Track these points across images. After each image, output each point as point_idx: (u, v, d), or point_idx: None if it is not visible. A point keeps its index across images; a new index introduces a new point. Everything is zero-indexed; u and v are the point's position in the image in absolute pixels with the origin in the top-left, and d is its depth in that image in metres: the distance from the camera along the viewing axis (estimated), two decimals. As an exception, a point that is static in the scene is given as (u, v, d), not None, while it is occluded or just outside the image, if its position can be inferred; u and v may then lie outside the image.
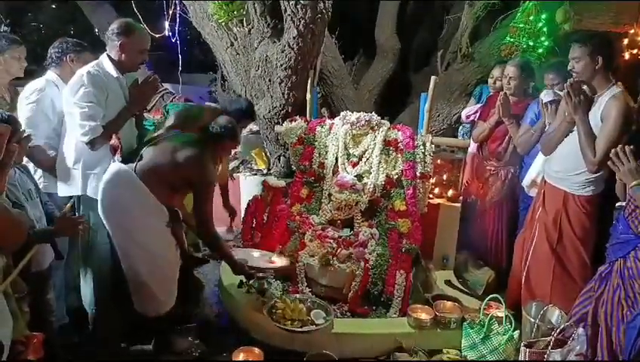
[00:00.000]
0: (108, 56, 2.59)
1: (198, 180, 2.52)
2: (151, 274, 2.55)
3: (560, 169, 2.72)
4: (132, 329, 2.76)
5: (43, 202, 2.36)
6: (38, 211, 2.24)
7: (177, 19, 3.71)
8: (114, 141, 2.59)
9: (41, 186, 2.57)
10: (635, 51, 4.15)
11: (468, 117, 4.10)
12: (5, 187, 1.79)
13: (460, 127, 4.56)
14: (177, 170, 2.49)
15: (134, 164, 2.50)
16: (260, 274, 2.86)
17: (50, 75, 2.85)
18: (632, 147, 2.11)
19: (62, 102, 2.64)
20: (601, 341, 2.25)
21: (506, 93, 3.31)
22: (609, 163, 2.16)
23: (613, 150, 2.13)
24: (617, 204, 2.31)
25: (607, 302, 2.25)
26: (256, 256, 3.01)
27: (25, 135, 1.88)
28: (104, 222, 2.55)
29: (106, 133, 2.49)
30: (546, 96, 3.02)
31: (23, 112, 2.73)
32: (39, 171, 2.76)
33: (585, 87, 2.56)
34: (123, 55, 2.56)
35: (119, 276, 2.62)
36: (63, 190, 2.67)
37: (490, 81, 3.90)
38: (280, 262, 2.98)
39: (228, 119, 2.67)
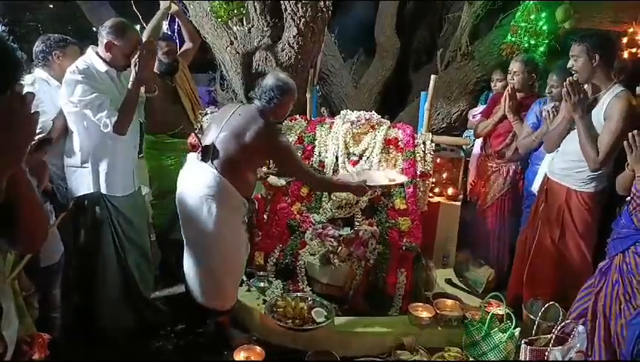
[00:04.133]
0: (96, 52, 2.58)
1: (275, 154, 2.55)
2: (225, 271, 2.61)
3: (564, 166, 2.74)
4: (139, 327, 2.79)
5: (54, 192, 2.36)
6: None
7: (176, 19, 3.70)
8: (193, 139, 2.58)
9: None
10: (634, 50, 4.16)
11: (474, 117, 4.12)
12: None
13: (465, 131, 4.56)
14: (252, 151, 2.47)
15: (214, 162, 2.46)
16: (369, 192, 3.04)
17: (39, 72, 2.82)
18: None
19: (57, 98, 2.63)
20: (598, 334, 2.27)
21: (512, 86, 3.33)
22: (625, 145, 2.16)
23: (630, 133, 2.13)
24: (628, 198, 2.31)
25: (606, 296, 2.27)
26: (374, 175, 3.12)
27: (44, 138, 1.86)
28: (181, 220, 2.58)
29: (124, 113, 2.48)
30: (544, 104, 3.07)
31: None
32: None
33: (586, 86, 2.57)
34: (108, 54, 2.55)
35: (126, 273, 2.63)
36: (73, 190, 2.67)
37: (491, 84, 3.96)
38: (400, 178, 3.09)
39: (273, 77, 2.55)
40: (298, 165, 2.67)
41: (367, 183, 2.85)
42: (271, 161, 4.30)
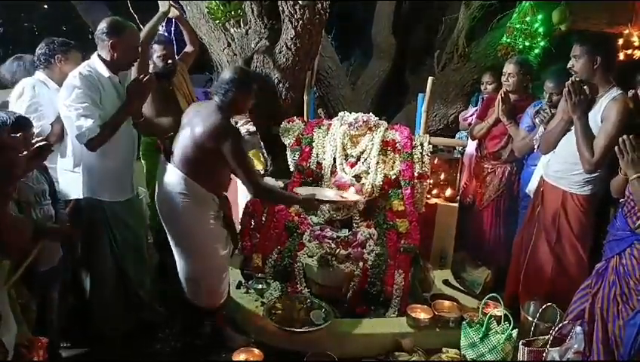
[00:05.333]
0: (99, 56, 2.56)
1: (225, 149, 2.42)
2: (206, 268, 2.60)
3: (559, 168, 2.75)
4: (136, 329, 2.78)
5: (57, 204, 2.36)
6: (47, 213, 2.24)
7: (173, 20, 3.69)
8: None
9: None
10: (629, 52, 4.20)
11: (465, 119, 4.13)
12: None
13: (458, 133, 4.58)
14: (204, 148, 2.42)
15: (173, 159, 2.50)
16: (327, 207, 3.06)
17: (39, 75, 2.81)
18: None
19: (56, 102, 2.61)
20: (596, 336, 2.28)
21: (505, 91, 3.34)
22: (616, 149, 2.17)
23: (621, 138, 2.15)
24: (621, 201, 2.33)
25: (603, 298, 2.28)
26: (326, 192, 3.13)
27: (43, 143, 1.87)
28: (162, 220, 2.60)
29: (103, 133, 2.45)
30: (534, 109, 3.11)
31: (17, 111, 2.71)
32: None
33: (585, 87, 2.58)
34: (115, 54, 2.53)
35: (123, 275, 2.63)
36: (65, 194, 2.65)
37: (482, 87, 3.95)
38: (352, 196, 3.01)
39: (230, 71, 2.49)
40: (246, 168, 2.51)
41: (317, 197, 2.85)
42: (268, 163, 4.33)
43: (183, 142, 2.48)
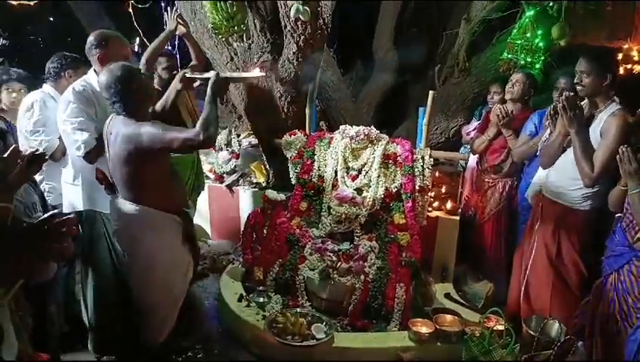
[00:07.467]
0: (94, 70, 2.61)
1: (145, 139, 2.17)
2: (164, 302, 2.50)
3: (559, 183, 2.75)
4: (133, 343, 2.76)
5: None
6: None
7: (177, 35, 3.73)
8: (99, 173, 2.47)
9: (49, 200, 2.58)
10: (628, 66, 4.23)
11: (468, 133, 4.16)
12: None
13: (462, 147, 4.60)
14: (134, 161, 2.24)
15: (117, 192, 2.40)
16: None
17: (47, 88, 2.89)
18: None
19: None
20: (596, 353, 2.27)
21: (503, 105, 3.37)
22: (617, 158, 2.18)
23: (620, 148, 2.17)
24: (617, 215, 2.33)
25: (603, 315, 2.28)
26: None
27: (37, 153, 1.88)
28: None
29: (100, 145, 2.47)
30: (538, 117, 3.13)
31: (25, 125, 2.76)
32: (46, 185, 2.81)
33: (585, 102, 2.59)
34: (104, 66, 2.54)
35: (121, 290, 2.62)
36: (67, 206, 2.67)
37: (489, 96, 3.99)
38: (255, 73, 2.84)
39: (104, 77, 2.25)
40: (175, 133, 2.19)
41: (222, 75, 2.51)
42: (270, 175, 4.35)
43: (117, 170, 2.32)
